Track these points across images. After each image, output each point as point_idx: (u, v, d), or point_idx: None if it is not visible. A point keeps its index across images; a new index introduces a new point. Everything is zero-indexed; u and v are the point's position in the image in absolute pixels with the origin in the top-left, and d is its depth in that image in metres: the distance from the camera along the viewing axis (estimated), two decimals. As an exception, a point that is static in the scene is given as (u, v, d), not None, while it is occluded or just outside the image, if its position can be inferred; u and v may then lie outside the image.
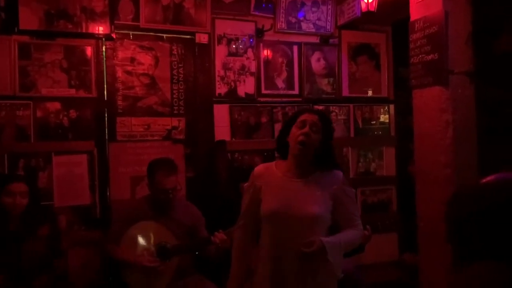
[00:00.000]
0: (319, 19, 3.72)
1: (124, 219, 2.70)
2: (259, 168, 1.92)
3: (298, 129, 1.80)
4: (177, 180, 2.71)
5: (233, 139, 3.48)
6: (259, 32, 3.56)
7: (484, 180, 0.79)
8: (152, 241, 2.63)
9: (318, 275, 1.74)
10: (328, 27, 3.75)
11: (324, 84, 3.77)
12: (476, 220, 0.76)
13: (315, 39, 3.75)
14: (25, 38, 2.99)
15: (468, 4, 2.58)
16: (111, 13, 3.15)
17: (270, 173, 1.87)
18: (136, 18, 3.23)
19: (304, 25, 3.69)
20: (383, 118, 3.95)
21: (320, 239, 1.65)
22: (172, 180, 2.65)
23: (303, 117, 1.82)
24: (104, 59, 3.17)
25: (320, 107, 3.73)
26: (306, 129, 1.78)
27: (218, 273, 2.78)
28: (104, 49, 3.17)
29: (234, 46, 3.50)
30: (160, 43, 3.32)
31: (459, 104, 2.55)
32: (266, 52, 3.61)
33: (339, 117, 3.81)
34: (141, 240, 2.64)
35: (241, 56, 3.52)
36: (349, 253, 2.79)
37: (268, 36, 3.60)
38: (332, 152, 1.89)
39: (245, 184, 1.94)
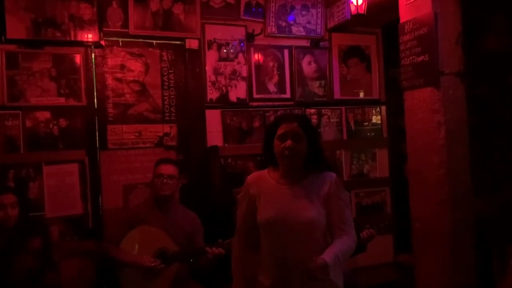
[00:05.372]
0: (309, 22, 3.73)
1: (125, 223, 2.69)
2: (252, 176, 1.91)
3: (280, 142, 1.77)
4: (174, 171, 2.77)
5: (226, 144, 3.46)
6: (250, 37, 3.54)
7: None
8: (152, 246, 2.61)
9: (322, 281, 1.71)
10: (319, 30, 3.75)
11: (316, 87, 3.77)
12: None
13: (305, 43, 3.75)
14: (13, 47, 2.96)
15: (457, 4, 2.60)
16: (100, 21, 3.12)
17: (263, 181, 1.86)
18: (125, 25, 3.21)
19: (294, 29, 3.69)
20: (375, 119, 3.96)
21: (324, 258, 1.62)
22: (168, 167, 2.75)
23: (282, 128, 1.78)
24: (94, 66, 3.14)
25: (312, 110, 3.73)
26: (289, 142, 1.75)
27: (213, 279, 2.77)
28: (93, 57, 3.14)
29: (224, 51, 3.48)
30: (150, 49, 3.30)
31: (450, 105, 2.56)
32: (257, 57, 3.60)
33: (331, 120, 3.80)
34: (141, 245, 2.61)
35: (232, 61, 3.51)
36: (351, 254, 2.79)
37: (259, 41, 3.58)
38: (321, 155, 1.85)
39: (239, 195, 1.93)
